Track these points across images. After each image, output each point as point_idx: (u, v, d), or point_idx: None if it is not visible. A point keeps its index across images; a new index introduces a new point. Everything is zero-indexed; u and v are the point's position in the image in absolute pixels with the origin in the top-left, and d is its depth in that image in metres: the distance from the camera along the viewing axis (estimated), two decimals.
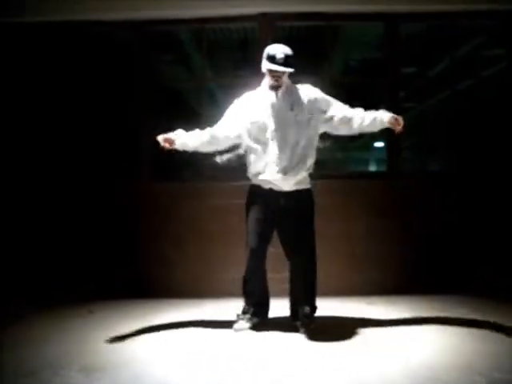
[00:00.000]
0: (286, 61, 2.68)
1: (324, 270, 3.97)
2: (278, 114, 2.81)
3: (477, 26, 4.95)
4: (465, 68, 5.96)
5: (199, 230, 4.11)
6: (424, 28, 5.21)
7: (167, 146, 2.88)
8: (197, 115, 5.84)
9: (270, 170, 2.81)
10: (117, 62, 4.87)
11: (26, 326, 3.18)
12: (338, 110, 2.87)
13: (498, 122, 4.69)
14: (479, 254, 4.06)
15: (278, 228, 2.92)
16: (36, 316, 3.44)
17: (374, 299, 3.78)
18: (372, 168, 17.15)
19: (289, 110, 2.81)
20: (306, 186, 2.93)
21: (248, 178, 2.99)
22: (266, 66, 2.74)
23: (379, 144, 15.07)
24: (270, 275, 3.08)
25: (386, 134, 3.64)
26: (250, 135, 2.87)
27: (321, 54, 4.62)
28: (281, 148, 2.79)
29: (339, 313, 3.39)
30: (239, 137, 2.93)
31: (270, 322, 3.05)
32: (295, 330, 2.90)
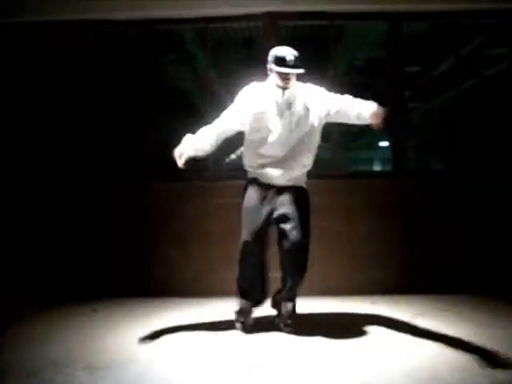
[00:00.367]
0: (296, 62, 2.72)
1: (326, 270, 4.01)
2: (279, 111, 2.82)
3: (479, 25, 4.94)
4: (468, 67, 5.94)
5: (202, 229, 4.12)
6: (427, 27, 5.20)
7: (182, 161, 2.89)
8: (200, 114, 5.85)
9: (266, 163, 2.83)
10: (120, 62, 4.89)
11: (30, 325, 3.19)
12: (334, 104, 2.89)
13: (502, 121, 4.67)
14: (483, 253, 4.04)
15: (275, 216, 2.85)
16: (40, 315, 3.46)
17: (376, 299, 3.77)
18: (377, 167, 17.11)
19: (289, 107, 2.82)
20: (302, 184, 2.94)
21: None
22: (275, 68, 2.75)
23: (384, 143, 15.05)
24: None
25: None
26: (250, 125, 2.88)
27: (325, 54, 4.62)
28: (277, 143, 2.81)
29: (340, 312, 3.39)
30: (242, 124, 2.91)
31: (269, 321, 3.05)
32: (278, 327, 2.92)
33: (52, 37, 4.36)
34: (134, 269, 4.09)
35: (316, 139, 2.93)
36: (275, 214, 2.84)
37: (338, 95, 2.94)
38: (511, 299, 3.63)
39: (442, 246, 4.07)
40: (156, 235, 4.14)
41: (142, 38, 4.37)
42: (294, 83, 2.82)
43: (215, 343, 2.73)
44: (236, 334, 2.89)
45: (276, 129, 2.81)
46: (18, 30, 4.35)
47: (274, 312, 3.13)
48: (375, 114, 2.77)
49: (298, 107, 2.83)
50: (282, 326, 2.94)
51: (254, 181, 2.92)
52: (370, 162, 17.22)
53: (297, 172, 2.87)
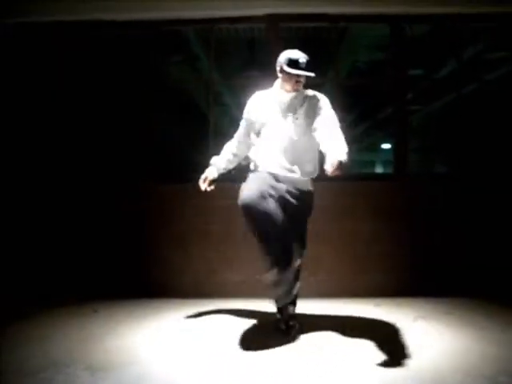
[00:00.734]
0: (308, 65, 2.74)
1: (329, 272, 4.01)
2: (283, 115, 2.82)
3: (480, 28, 4.94)
4: (470, 71, 5.93)
5: (202, 230, 4.11)
6: (429, 30, 5.20)
7: (206, 185, 3.01)
8: (204, 115, 5.86)
9: (270, 166, 2.81)
10: (123, 62, 4.89)
11: (31, 325, 3.19)
12: (324, 132, 2.73)
13: (504, 124, 4.67)
14: (486, 256, 4.03)
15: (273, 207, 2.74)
16: (40, 315, 3.45)
17: (379, 301, 3.77)
18: (379, 170, 17.12)
19: (292, 112, 2.82)
20: (307, 188, 2.91)
21: None
22: (288, 69, 2.75)
23: (386, 145, 15.05)
24: None
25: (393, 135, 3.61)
26: (254, 129, 2.90)
27: (327, 56, 4.62)
28: (280, 147, 2.80)
29: (343, 314, 3.38)
30: (251, 133, 2.95)
31: (271, 323, 3.04)
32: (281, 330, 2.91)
33: (56, 37, 4.38)
34: (133, 269, 4.09)
35: (317, 147, 2.91)
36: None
37: (330, 122, 2.78)
38: None
39: (444, 249, 4.06)
40: (156, 236, 4.14)
41: (146, 38, 4.38)
42: (301, 88, 2.83)
43: (215, 344, 2.72)
44: (236, 335, 2.89)
45: (280, 133, 2.80)
46: (26, 29, 4.37)
47: (276, 314, 3.12)
48: (330, 165, 2.48)
49: (303, 112, 2.82)
50: (283, 327, 2.93)
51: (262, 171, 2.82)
52: (372, 164, 17.22)
53: (302, 176, 2.84)
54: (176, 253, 4.11)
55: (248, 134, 2.99)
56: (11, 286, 3.97)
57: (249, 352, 2.57)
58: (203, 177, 3.03)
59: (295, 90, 2.81)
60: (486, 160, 4.76)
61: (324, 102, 2.88)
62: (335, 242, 4.03)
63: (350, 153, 2.52)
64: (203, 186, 3.02)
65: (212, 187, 3.04)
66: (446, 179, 4.41)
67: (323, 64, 4.81)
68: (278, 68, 2.82)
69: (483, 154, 4.95)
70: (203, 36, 5.04)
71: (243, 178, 2.88)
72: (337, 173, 2.41)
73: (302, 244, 2.90)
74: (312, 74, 2.75)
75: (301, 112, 2.83)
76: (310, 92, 2.91)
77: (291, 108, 2.83)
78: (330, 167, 2.42)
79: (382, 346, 2.65)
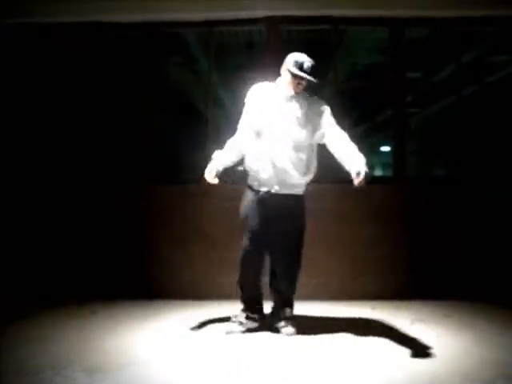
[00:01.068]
0: (312, 70, 2.77)
1: (327, 275, 4.00)
2: (283, 116, 2.83)
3: (481, 32, 4.95)
4: (470, 74, 5.95)
5: (202, 231, 4.11)
6: (429, 33, 5.21)
7: (213, 176, 3.01)
8: (202, 117, 5.86)
9: (265, 168, 2.83)
10: (123, 64, 4.89)
11: (31, 325, 3.18)
12: (331, 135, 2.89)
13: (503, 127, 4.68)
14: (484, 259, 4.03)
15: (269, 229, 2.90)
16: (39, 316, 3.44)
17: (377, 304, 3.76)
18: (378, 172, 17.12)
19: (293, 115, 2.84)
20: (300, 192, 2.92)
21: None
22: (292, 70, 2.77)
23: (385, 148, 15.07)
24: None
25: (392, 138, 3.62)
26: (253, 126, 2.88)
27: (326, 58, 4.63)
28: (277, 148, 2.81)
29: (341, 317, 3.38)
30: (253, 124, 2.92)
31: (268, 324, 3.04)
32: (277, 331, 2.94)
33: (56, 38, 4.38)
34: (133, 270, 4.08)
35: (315, 150, 2.94)
36: (270, 233, 2.88)
37: (337, 127, 2.92)
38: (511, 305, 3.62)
39: (443, 252, 4.06)
40: (155, 237, 4.14)
41: (146, 40, 4.38)
42: (301, 91, 2.85)
43: (215, 345, 2.72)
44: (236, 336, 2.89)
45: (277, 132, 2.81)
46: (27, 30, 4.36)
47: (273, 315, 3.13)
48: (356, 175, 2.70)
49: (303, 114, 2.84)
50: (281, 329, 2.93)
51: (253, 190, 2.92)
52: (371, 167, 17.22)
53: (295, 181, 2.85)
54: (176, 254, 4.10)
55: (249, 128, 2.95)
56: (11, 285, 3.96)
57: (247, 353, 2.58)
58: (208, 170, 3.02)
59: (296, 92, 2.83)
60: (485, 163, 4.78)
61: (324, 107, 2.93)
62: (334, 245, 4.02)
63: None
64: (209, 178, 3.02)
65: (216, 180, 3.04)
66: (444, 182, 4.42)
67: (322, 67, 4.82)
68: (283, 67, 2.85)
69: (482, 157, 4.97)
70: (203, 38, 5.04)
71: (243, 180, 2.89)
72: (362, 184, 2.68)
73: (296, 259, 2.95)
74: (314, 80, 2.78)
75: (301, 114, 2.84)
76: (310, 96, 2.94)
77: (291, 109, 2.84)
78: (356, 180, 2.67)
79: (379, 348, 2.66)
